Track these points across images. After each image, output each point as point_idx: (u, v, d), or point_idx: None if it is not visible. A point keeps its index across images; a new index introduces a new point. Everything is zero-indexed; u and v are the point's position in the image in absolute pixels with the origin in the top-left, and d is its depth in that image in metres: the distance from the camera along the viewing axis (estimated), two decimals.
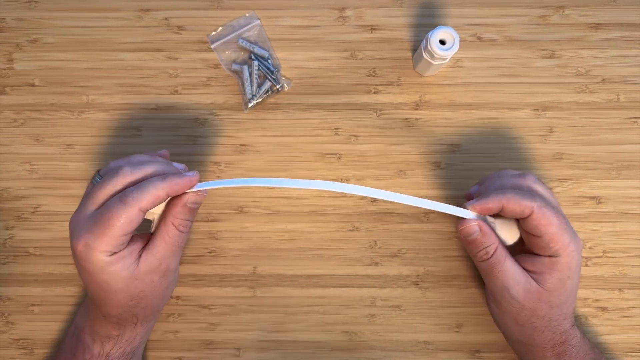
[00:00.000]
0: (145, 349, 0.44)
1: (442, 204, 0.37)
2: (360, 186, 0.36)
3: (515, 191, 0.37)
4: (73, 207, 0.45)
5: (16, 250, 0.45)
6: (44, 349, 0.44)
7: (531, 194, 0.37)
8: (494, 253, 0.38)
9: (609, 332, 0.44)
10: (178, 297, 0.45)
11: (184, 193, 0.37)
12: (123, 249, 0.35)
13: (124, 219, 0.34)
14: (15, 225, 0.46)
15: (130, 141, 0.46)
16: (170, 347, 0.44)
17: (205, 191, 0.38)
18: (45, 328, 0.44)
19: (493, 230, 0.38)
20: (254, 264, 0.45)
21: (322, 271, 0.45)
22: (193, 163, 0.46)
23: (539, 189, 0.38)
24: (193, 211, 0.38)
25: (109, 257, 0.35)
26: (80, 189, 0.46)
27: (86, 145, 0.46)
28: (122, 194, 0.35)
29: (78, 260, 0.35)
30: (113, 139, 0.46)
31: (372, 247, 0.45)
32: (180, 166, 0.39)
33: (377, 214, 0.45)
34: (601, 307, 0.44)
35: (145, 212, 0.35)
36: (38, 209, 0.46)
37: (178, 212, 0.37)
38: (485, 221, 0.38)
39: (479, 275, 0.45)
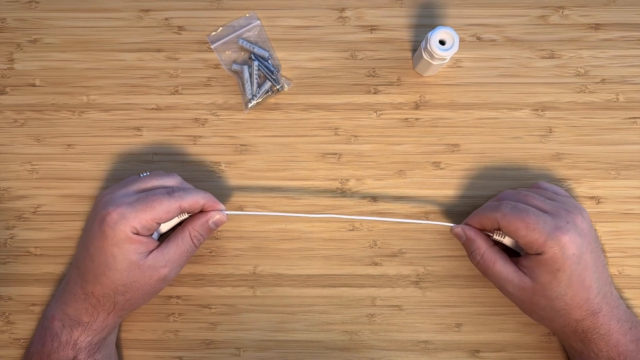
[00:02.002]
0: (145, 349, 0.44)
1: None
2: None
3: (482, 208, 0.41)
4: (74, 207, 0.46)
5: (17, 250, 0.45)
6: None
7: (497, 205, 0.39)
8: (481, 257, 0.40)
9: None
10: (178, 297, 0.45)
11: (210, 211, 0.41)
12: (144, 236, 0.38)
13: (165, 207, 0.38)
14: (16, 225, 0.46)
15: (130, 141, 0.46)
16: (170, 347, 0.44)
17: (227, 217, 0.42)
18: None
19: (489, 236, 0.41)
20: (254, 263, 0.45)
21: (322, 271, 0.45)
22: (193, 163, 0.46)
23: (528, 192, 0.41)
24: (210, 231, 0.41)
25: (132, 234, 0.37)
26: (80, 189, 0.46)
27: (86, 145, 0.46)
28: (169, 189, 0.39)
29: (102, 227, 0.37)
30: (113, 139, 0.47)
31: (372, 247, 0.45)
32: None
33: (377, 213, 0.45)
34: None
35: (180, 212, 0.39)
36: (39, 209, 0.46)
37: (198, 225, 0.40)
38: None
39: (478, 274, 0.45)
